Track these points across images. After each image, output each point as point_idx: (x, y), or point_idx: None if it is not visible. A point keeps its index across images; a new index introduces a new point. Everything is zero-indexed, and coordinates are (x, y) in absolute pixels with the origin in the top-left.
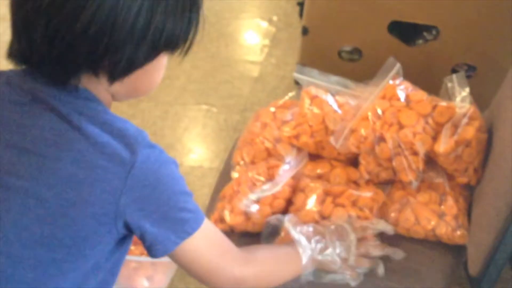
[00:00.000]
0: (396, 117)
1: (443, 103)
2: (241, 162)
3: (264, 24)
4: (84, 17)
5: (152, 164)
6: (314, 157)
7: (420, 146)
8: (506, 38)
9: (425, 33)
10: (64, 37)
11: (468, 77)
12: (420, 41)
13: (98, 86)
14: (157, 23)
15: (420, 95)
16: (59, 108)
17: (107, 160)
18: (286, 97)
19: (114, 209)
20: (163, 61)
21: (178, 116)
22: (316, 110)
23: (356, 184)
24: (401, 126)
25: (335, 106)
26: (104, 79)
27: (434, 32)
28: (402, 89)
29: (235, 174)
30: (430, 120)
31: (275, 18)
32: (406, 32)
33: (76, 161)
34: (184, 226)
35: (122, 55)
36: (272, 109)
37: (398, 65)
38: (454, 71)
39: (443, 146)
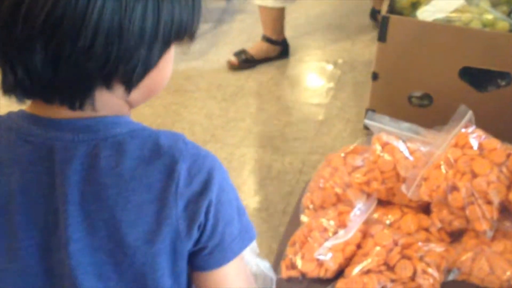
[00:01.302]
0: (469, 166)
1: None
2: (311, 206)
3: (330, 67)
4: (86, 31)
5: None
6: (385, 202)
7: (494, 195)
8: None
9: (497, 79)
10: (69, 57)
11: None
12: (492, 87)
13: (113, 100)
14: (165, 17)
15: (494, 143)
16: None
17: None
18: (356, 143)
19: None
20: (172, 52)
21: (243, 158)
22: (387, 157)
23: (427, 231)
24: (474, 175)
25: (406, 153)
26: (119, 91)
27: (506, 78)
28: (475, 137)
29: (304, 218)
30: (504, 169)
31: (340, 60)
32: (477, 78)
33: None
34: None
35: (137, 61)
36: (343, 155)
37: (470, 113)
38: None
39: None
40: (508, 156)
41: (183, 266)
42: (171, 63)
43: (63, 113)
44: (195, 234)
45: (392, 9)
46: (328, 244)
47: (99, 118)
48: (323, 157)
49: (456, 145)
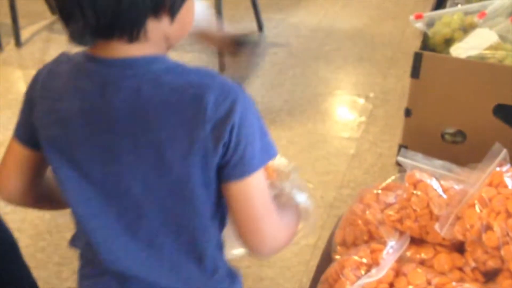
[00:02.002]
0: (504, 205)
1: None
2: (342, 244)
3: (361, 101)
4: None
5: None
6: (418, 240)
7: None
8: None
9: None
10: None
11: None
12: None
13: (159, 32)
14: None
15: None
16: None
17: None
18: (389, 180)
19: None
20: None
21: None
22: (420, 194)
23: (461, 271)
24: (509, 215)
25: (440, 191)
26: (164, 22)
27: None
28: (510, 176)
29: (336, 255)
30: None
31: (371, 94)
32: (511, 115)
33: None
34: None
35: None
36: (375, 191)
37: (504, 151)
38: None
39: None
40: None
41: (212, 177)
42: (193, 8)
43: (114, 53)
44: (220, 150)
45: (425, 46)
46: (360, 282)
47: (141, 57)
48: (354, 192)
49: (490, 184)
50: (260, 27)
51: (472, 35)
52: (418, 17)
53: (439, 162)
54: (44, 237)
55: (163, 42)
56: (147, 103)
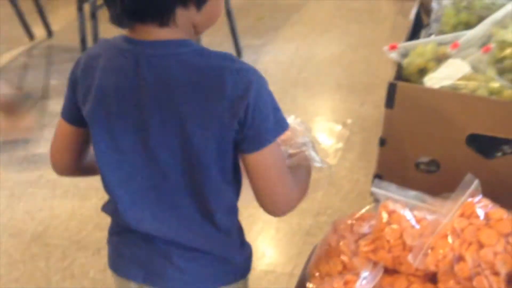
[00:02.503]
0: (475, 236)
1: None
2: (317, 274)
3: (338, 127)
4: None
5: None
6: (391, 271)
7: (501, 266)
8: None
9: (504, 146)
10: None
11: None
12: (499, 154)
13: (187, 19)
14: None
15: (500, 213)
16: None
17: None
18: (364, 210)
19: None
20: None
21: (252, 219)
22: (394, 225)
23: None
24: (481, 245)
25: (413, 222)
26: (192, 11)
27: None
28: (482, 207)
29: (310, 286)
30: (511, 239)
31: (349, 121)
32: (484, 145)
33: None
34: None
35: None
36: (350, 222)
37: (476, 182)
38: None
39: None
40: None
41: (227, 149)
42: (223, 3)
43: (148, 36)
44: (236, 126)
45: (400, 76)
46: None
47: (171, 40)
48: (330, 219)
49: (462, 215)
50: (238, 53)
51: (445, 66)
52: (393, 47)
53: (412, 193)
54: (18, 267)
55: (191, 28)
56: (174, 81)
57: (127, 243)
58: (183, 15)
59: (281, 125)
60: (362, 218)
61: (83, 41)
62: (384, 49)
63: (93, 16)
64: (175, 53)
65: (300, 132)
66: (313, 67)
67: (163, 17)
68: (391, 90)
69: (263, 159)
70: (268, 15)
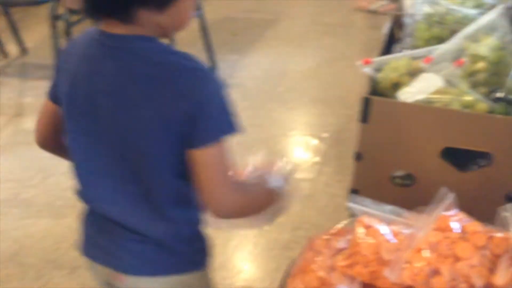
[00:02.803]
0: (451, 249)
1: (499, 234)
2: None
3: (314, 142)
4: None
5: None
6: (368, 285)
7: (477, 279)
8: None
9: (478, 159)
10: None
11: None
12: (474, 167)
13: (151, 20)
14: None
15: (475, 226)
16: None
17: None
18: (340, 224)
19: None
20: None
21: (229, 234)
22: (370, 240)
23: None
24: (456, 259)
25: (389, 236)
26: (154, 9)
27: (487, 158)
28: (456, 220)
29: None
30: (486, 252)
31: (325, 135)
32: (458, 158)
33: None
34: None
35: None
36: (326, 237)
37: (451, 195)
38: (508, 197)
39: (501, 278)
40: (489, 239)
41: (173, 140)
42: (190, 6)
43: (116, 30)
44: (182, 120)
45: (374, 90)
46: None
47: (134, 35)
48: (308, 233)
49: (438, 228)
50: (214, 68)
51: (419, 80)
52: (366, 62)
53: (388, 207)
54: None
55: (156, 28)
56: (131, 72)
57: (90, 224)
58: (146, 15)
59: (228, 128)
60: (338, 233)
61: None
62: (358, 64)
63: (67, 33)
64: (136, 47)
65: (279, 169)
66: (288, 82)
67: (124, 16)
68: (366, 105)
69: (206, 157)
70: (243, 30)
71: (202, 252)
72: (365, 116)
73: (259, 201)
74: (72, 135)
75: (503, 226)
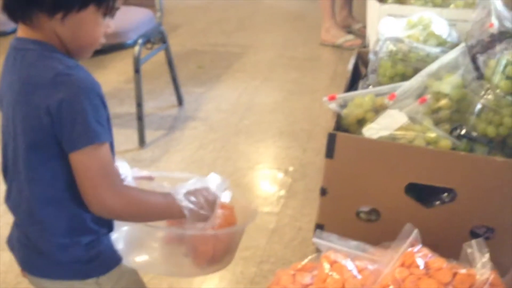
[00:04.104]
0: (416, 286)
1: (463, 270)
2: None
3: (280, 175)
4: None
5: None
6: None
7: None
8: None
9: (442, 195)
10: None
11: (486, 238)
12: (438, 203)
13: (48, 25)
14: None
15: (440, 262)
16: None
17: None
18: (306, 260)
19: None
20: (92, 15)
21: None
22: (336, 276)
23: None
24: None
25: (354, 271)
26: (47, 14)
27: (451, 194)
28: (421, 256)
29: None
30: None
31: (291, 168)
32: (423, 194)
33: None
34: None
35: None
36: (292, 272)
37: (416, 231)
38: (472, 232)
39: None
40: (454, 275)
41: (40, 139)
42: (95, 27)
43: (20, 34)
44: (48, 120)
45: (339, 126)
46: None
47: (28, 38)
48: (274, 267)
49: (403, 264)
50: (180, 101)
51: (383, 116)
52: (332, 98)
53: (353, 243)
54: None
55: (56, 38)
56: (16, 72)
57: (13, 225)
58: (43, 19)
59: (90, 136)
60: (304, 268)
61: None
62: (323, 100)
63: None
64: (24, 49)
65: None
66: (255, 115)
67: (24, 17)
68: (331, 140)
69: (77, 161)
70: (209, 63)
71: (90, 263)
72: (330, 152)
73: (152, 208)
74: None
75: (468, 262)
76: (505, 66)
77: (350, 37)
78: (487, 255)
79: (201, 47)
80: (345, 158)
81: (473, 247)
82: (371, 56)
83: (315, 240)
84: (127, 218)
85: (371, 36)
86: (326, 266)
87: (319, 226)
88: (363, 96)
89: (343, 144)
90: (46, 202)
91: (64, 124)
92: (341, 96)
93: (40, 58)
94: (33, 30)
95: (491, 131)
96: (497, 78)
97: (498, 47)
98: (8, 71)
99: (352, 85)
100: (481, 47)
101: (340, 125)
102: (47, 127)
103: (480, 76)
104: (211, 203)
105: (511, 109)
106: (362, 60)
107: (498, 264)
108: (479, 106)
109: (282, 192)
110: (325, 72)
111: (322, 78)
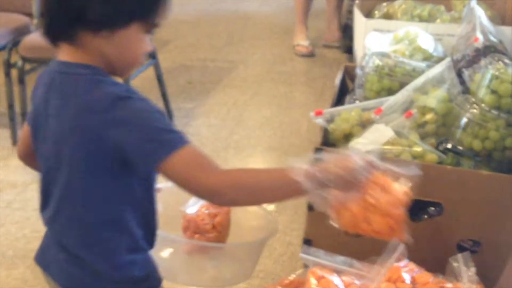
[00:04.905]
0: None
1: (449, 285)
2: None
3: None
4: None
5: None
6: None
7: None
8: (510, 213)
9: (429, 209)
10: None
11: (473, 252)
12: (425, 216)
13: (93, 44)
14: None
15: (426, 277)
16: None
17: None
18: (294, 275)
19: None
20: (135, 33)
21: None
22: None
23: None
24: None
25: (341, 287)
26: (92, 31)
27: (437, 208)
28: (407, 271)
29: None
30: None
31: None
32: (410, 208)
33: None
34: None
35: (95, 15)
36: None
37: (401, 246)
38: (459, 246)
39: None
40: None
41: (99, 161)
42: (138, 44)
43: (62, 57)
44: (110, 144)
45: (326, 141)
46: None
47: (74, 62)
48: (263, 282)
49: (389, 279)
50: (169, 116)
51: (370, 131)
52: (318, 113)
53: (340, 258)
54: None
55: (101, 57)
56: (67, 96)
57: (46, 236)
58: (87, 38)
59: (178, 140)
60: (291, 284)
61: (10, 107)
62: (311, 115)
63: (21, 81)
64: (73, 73)
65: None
66: (244, 130)
67: (68, 36)
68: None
69: (168, 169)
70: (199, 78)
71: (136, 284)
72: None
73: (263, 181)
74: (37, 158)
75: (454, 277)
76: (490, 81)
77: (304, 42)
78: (473, 269)
79: (190, 62)
80: None
81: (459, 261)
82: (357, 71)
83: (302, 255)
84: (242, 196)
85: (358, 51)
86: (313, 281)
87: (307, 241)
88: (350, 111)
89: None
90: (104, 223)
91: (139, 141)
92: (328, 111)
93: (94, 83)
94: (78, 53)
95: (477, 145)
96: (482, 92)
97: (483, 62)
98: (55, 96)
99: (340, 99)
100: (467, 62)
101: (327, 140)
102: (111, 150)
103: (466, 90)
104: (352, 169)
105: (496, 123)
106: (349, 75)
107: (484, 278)
108: (464, 120)
109: (272, 207)
110: (314, 87)
111: (311, 92)
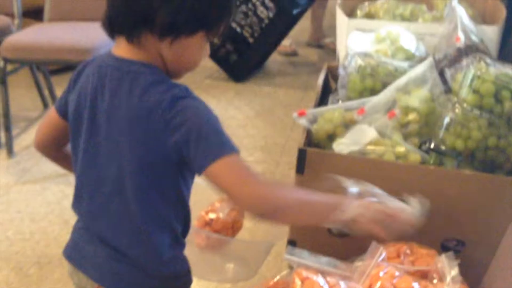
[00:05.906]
0: None
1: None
2: None
3: None
4: None
5: None
6: None
7: None
8: (493, 213)
9: None
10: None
11: (457, 252)
12: None
13: (152, 44)
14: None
15: (408, 282)
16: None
17: None
18: (278, 277)
19: None
20: (198, 41)
21: None
22: None
23: None
24: None
25: (326, 287)
26: (157, 35)
27: None
28: (387, 278)
29: None
30: None
31: None
32: None
33: None
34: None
35: (164, 19)
36: None
37: (381, 248)
38: (443, 246)
39: None
40: None
41: (157, 162)
42: (199, 51)
43: (119, 52)
44: (169, 145)
45: (310, 141)
46: None
47: (132, 59)
48: (248, 283)
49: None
50: None
51: (353, 131)
52: (301, 114)
53: (325, 259)
54: None
55: (158, 57)
56: (134, 97)
57: (78, 232)
58: (150, 39)
59: (226, 146)
60: (276, 286)
61: None
62: (294, 116)
63: (2, 82)
64: (132, 71)
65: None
66: (228, 130)
67: (131, 34)
68: (301, 156)
69: (216, 172)
70: (181, 79)
71: (179, 279)
72: (301, 168)
73: (307, 202)
74: (73, 151)
75: (438, 277)
76: (472, 80)
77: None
78: (456, 269)
79: None
80: (316, 173)
81: (443, 262)
82: (340, 71)
83: (287, 256)
84: (282, 216)
85: (340, 51)
86: (298, 282)
87: (291, 242)
88: (333, 111)
89: (314, 160)
90: (153, 221)
91: (197, 141)
92: (311, 111)
93: (154, 82)
94: (137, 50)
95: (459, 144)
96: (464, 92)
97: (465, 61)
98: (109, 92)
99: (323, 99)
100: (449, 61)
101: (311, 140)
102: (169, 150)
103: (448, 90)
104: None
105: (479, 122)
106: (332, 75)
107: (468, 277)
108: (447, 120)
109: None
110: (297, 87)
111: (295, 92)
